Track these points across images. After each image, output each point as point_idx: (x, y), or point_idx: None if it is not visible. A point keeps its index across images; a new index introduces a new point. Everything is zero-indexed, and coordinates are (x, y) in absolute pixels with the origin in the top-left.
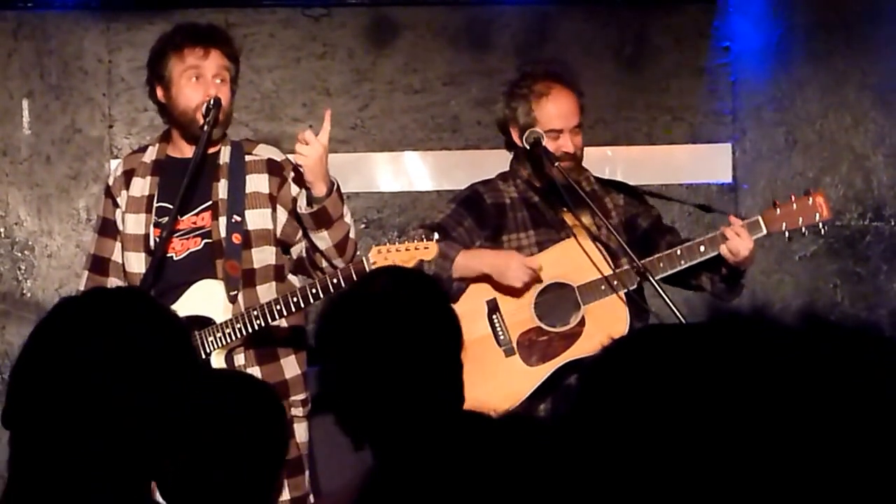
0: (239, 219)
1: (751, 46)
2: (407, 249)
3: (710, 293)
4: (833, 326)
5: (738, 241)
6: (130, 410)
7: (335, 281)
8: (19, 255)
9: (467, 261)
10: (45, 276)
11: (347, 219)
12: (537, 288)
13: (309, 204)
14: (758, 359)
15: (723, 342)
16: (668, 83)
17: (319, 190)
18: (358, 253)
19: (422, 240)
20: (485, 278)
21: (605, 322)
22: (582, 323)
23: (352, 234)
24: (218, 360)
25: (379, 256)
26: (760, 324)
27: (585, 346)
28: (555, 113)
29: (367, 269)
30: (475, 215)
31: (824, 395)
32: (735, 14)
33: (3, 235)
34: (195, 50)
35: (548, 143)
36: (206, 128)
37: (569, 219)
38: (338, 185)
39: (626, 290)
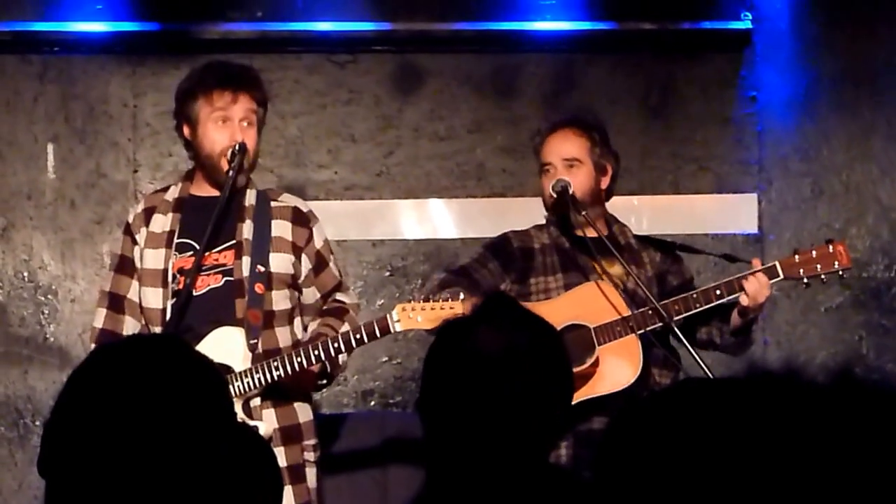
0: (263, 269)
1: (777, 96)
2: (433, 308)
3: (718, 348)
4: (866, 386)
5: (756, 285)
6: (161, 456)
7: (358, 336)
8: (42, 299)
9: None
10: (68, 320)
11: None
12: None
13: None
14: (792, 419)
15: (756, 401)
16: (694, 132)
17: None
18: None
19: (447, 299)
20: None
21: (619, 364)
22: (596, 363)
23: (355, 333)
24: (236, 406)
25: (403, 315)
26: (794, 381)
27: (598, 387)
28: (547, 148)
29: (391, 326)
30: (501, 258)
31: (857, 458)
32: (762, 64)
33: (26, 279)
34: (224, 94)
35: (543, 178)
36: (231, 172)
37: (598, 267)
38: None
39: (642, 333)
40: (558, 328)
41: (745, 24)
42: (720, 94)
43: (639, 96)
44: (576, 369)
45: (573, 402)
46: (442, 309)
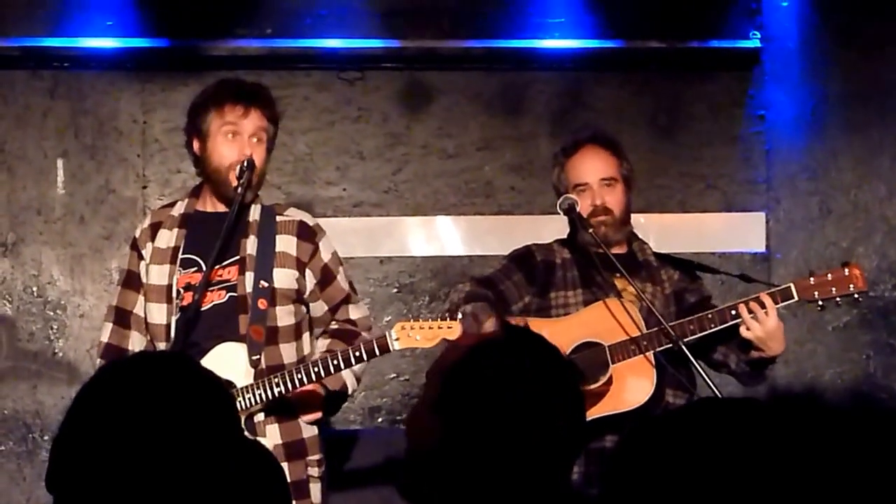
0: (266, 284)
1: (785, 115)
2: (430, 328)
3: (731, 373)
4: (875, 407)
5: (750, 320)
6: (169, 472)
7: (357, 354)
8: (51, 314)
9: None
10: (76, 335)
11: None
12: (570, 345)
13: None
14: (802, 440)
15: (766, 422)
16: (701, 151)
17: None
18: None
19: (445, 318)
20: None
21: (633, 383)
22: (609, 382)
23: (354, 351)
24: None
25: (402, 333)
26: (810, 403)
27: (610, 405)
28: (581, 167)
29: (390, 344)
30: (525, 271)
31: (866, 478)
32: (770, 83)
33: (35, 294)
34: (236, 108)
35: (579, 198)
36: (240, 189)
37: (620, 283)
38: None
39: (655, 352)
40: (573, 345)
41: (753, 43)
42: (728, 113)
43: (647, 114)
44: (589, 387)
45: (585, 420)
46: (440, 328)
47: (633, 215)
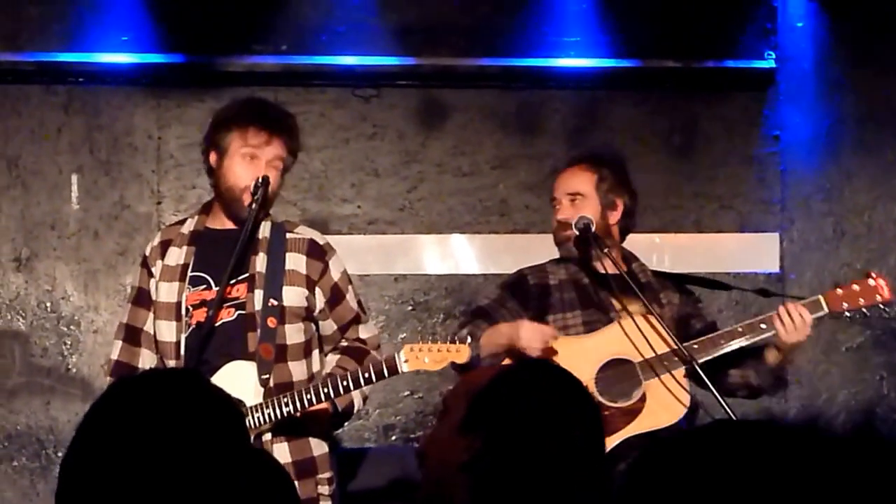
0: (276, 302)
1: (800, 136)
2: (439, 350)
3: (751, 390)
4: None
5: (794, 313)
6: (180, 489)
7: (367, 375)
8: (65, 329)
9: (489, 337)
10: (90, 351)
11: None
12: (599, 363)
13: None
14: (821, 466)
15: (791, 443)
16: (716, 171)
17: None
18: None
19: (454, 342)
20: (547, 353)
21: (667, 398)
22: (643, 399)
23: (363, 372)
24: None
25: (411, 355)
26: (818, 432)
27: (646, 422)
28: (556, 183)
29: (399, 366)
30: (518, 297)
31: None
32: (785, 104)
33: (49, 310)
34: (260, 133)
35: (553, 214)
36: (254, 206)
37: (617, 304)
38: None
39: (687, 367)
40: (602, 362)
41: (768, 63)
42: (743, 133)
43: (662, 134)
44: (623, 405)
45: (622, 439)
46: (448, 351)
47: (647, 235)
